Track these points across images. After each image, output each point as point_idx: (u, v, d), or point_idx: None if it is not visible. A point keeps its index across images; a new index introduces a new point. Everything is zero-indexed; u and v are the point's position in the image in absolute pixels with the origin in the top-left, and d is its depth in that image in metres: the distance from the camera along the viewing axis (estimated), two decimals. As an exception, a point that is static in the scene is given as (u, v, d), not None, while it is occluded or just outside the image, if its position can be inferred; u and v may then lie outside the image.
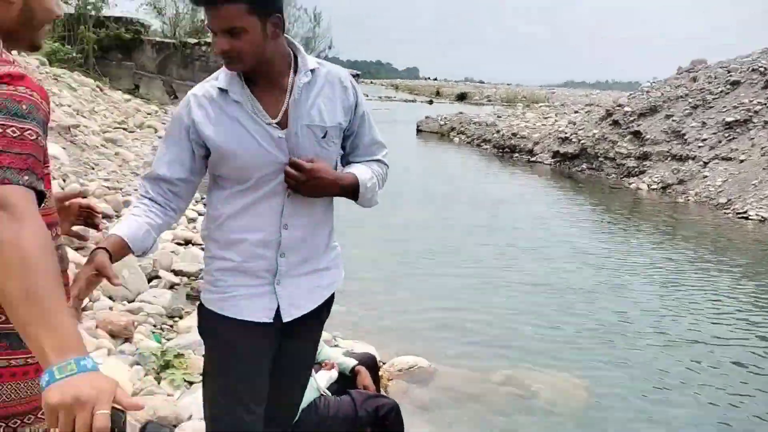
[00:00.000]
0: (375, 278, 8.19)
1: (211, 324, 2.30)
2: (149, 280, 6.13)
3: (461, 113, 34.56)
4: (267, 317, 2.21)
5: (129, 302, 5.44)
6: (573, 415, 5.15)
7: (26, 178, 1.36)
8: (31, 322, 1.25)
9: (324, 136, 2.16)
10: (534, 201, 15.28)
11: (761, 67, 18.16)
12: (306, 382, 2.55)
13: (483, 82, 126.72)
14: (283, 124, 2.15)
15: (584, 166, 20.62)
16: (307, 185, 2.10)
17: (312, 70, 2.18)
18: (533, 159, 22.98)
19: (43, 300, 1.27)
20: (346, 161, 2.35)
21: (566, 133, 22.31)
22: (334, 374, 3.49)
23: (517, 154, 24.12)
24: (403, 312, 7.10)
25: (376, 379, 3.75)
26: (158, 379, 4.07)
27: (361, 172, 2.25)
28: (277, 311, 2.21)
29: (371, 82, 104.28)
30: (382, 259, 9.13)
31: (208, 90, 2.18)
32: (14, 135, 1.37)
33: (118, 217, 7.84)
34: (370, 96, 66.83)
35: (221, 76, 2.16)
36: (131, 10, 33.83)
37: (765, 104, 16.94)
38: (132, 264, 5.75)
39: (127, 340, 4.69)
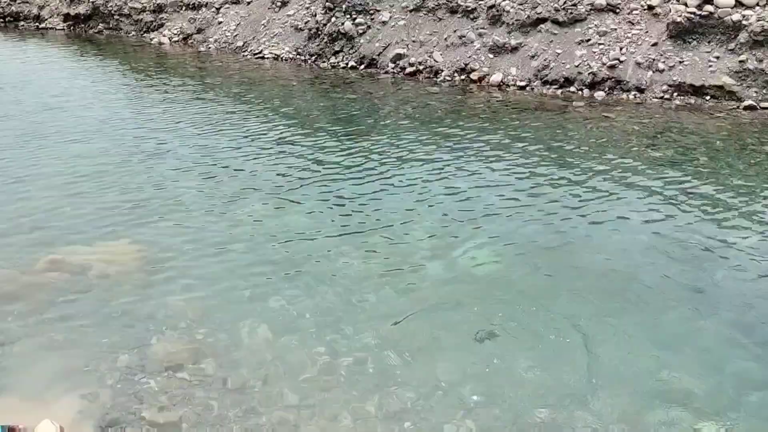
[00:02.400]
0: None
1: None
2: None
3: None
4: None
5: None
6: (127, 274, 5.13)
7: None
8: None
9: None
10: (55, 72, 13.79)
11: None
12: None
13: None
14: None
15: (101, 26, 19.24)
16: None
17: None
18: (43, 26, 20.46)
19: None
20: None
21: (73, -8, 20.19)
22: None
23: (23, 23, 21.12)
24: None
25: None
26: None
27: None
28: None
29: None
30: None
31: None
32: None
33: None
34: None
35: None
36: None
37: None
38: None
39: None
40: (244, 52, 15.28)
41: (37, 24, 20.76)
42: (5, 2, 21.97)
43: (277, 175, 7.29)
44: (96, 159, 7.85)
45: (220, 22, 16.60)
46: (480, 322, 4.49)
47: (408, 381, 3.93)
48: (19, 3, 21.66)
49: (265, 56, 14.75)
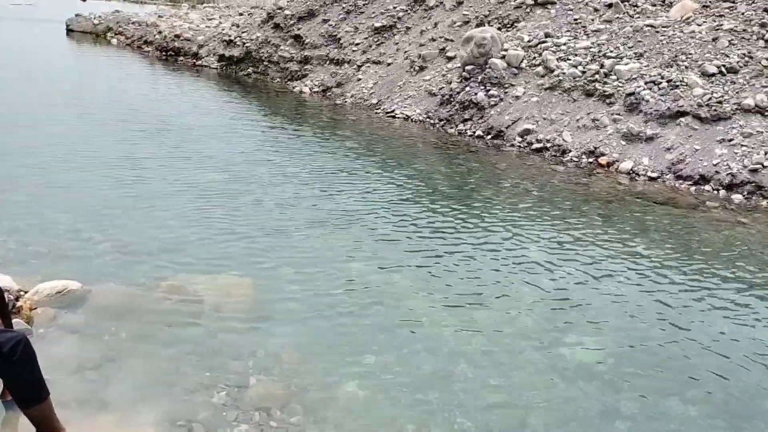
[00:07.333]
0: (12, 200, 7.23)
1: None
2: None
3: (118, 11, 31.55)
4: None
5: None
6: (238, 310, 5.31)
7: None
8: None
9: None
10: (205, 107, 14.88)
11: (402, -25, 19.79)
12: None
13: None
14: None
15: (250, 69, 20.65)
16: None
17: None
18: (199, 63, 22.23)
19: None
20: None
21: (231, 36, 21.89)
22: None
23: (182, 58, 23.08)
24: (51, 233, 6.42)
25: (4, 312, 3.31)
26: None
27: None
28: None
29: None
30: (21, 180, 8.05)
31: None
32: None
33: None
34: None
35: None
36: None
37: (406, 11, 18.64)
38: None
39: None
40: (377, 109, 15.80)
41: (194, 61, 22.59)
42: (170, 37, 24.18)
43: (390, 235, 7.37)
44: (228, 191, 8.30)
45: (359, 79, 17.33)
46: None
47: None
48: (182, 40, 23.74)
49: (396, 115, 15.18)
